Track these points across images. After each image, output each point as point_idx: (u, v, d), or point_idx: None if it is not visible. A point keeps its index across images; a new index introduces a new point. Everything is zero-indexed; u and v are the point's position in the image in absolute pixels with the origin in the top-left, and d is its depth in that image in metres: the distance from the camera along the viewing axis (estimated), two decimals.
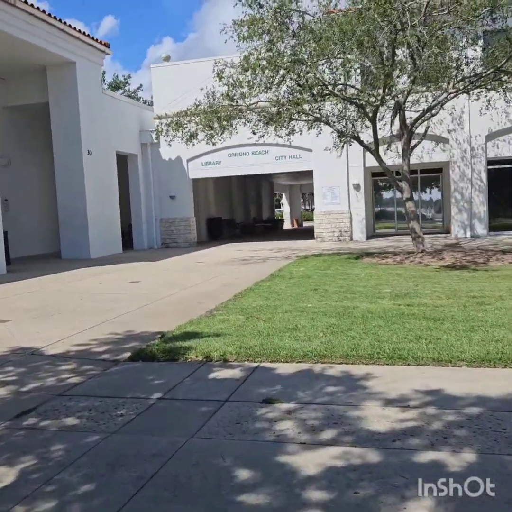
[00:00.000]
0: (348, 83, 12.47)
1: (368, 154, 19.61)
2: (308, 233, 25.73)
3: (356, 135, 13.69)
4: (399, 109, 13.18)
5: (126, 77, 44.66)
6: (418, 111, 13.63)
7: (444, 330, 5.78)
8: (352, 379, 4.46)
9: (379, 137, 13.92)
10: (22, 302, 9.25)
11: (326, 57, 10.70)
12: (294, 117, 13.78)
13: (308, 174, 23.17)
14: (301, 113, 13.50)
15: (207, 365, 5.05)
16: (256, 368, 4.88)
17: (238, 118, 13.43)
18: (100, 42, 18.33)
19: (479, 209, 18.78)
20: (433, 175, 22.64)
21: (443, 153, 19.09)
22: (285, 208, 45.71)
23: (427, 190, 24.02)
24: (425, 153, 19.08)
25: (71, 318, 7.67)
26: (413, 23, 10.72)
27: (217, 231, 24.96)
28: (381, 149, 14.13)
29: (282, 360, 5.07)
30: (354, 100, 12.51)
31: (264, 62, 12.44)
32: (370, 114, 12.97)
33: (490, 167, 18.86)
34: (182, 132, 14.47)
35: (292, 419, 3.72)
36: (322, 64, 11.01)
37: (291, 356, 5.12)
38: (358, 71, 11.91)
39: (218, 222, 25.35)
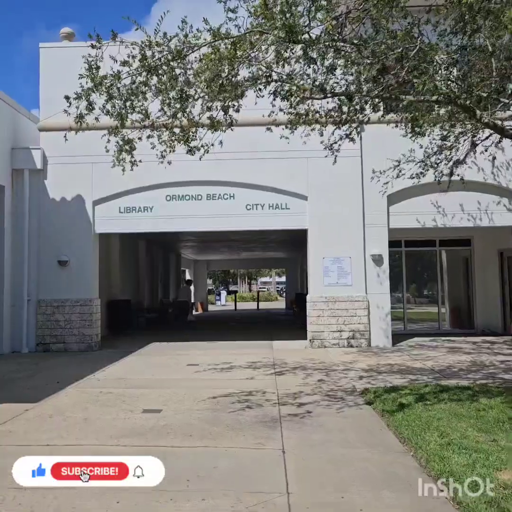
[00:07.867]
0: None
1: (394, 208, 12.55)
2: (247, 324, 18.01)
3: None
4: None
5: None
6: None
7: None
8: None
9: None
10: None
11: None
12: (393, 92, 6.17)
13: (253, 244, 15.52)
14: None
15: None
16: None
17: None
18: None
19: None
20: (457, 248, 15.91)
21: (508, 214, 12.48)
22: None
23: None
24: (480, 212, 12.42)
25: None
26: None
27: (124, 321, 15.88)
28: None
29: None
30: None
31: None
32: None
33: None
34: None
35: None
36: None
37: None
38: None
39: (126, 308, 16.30)
